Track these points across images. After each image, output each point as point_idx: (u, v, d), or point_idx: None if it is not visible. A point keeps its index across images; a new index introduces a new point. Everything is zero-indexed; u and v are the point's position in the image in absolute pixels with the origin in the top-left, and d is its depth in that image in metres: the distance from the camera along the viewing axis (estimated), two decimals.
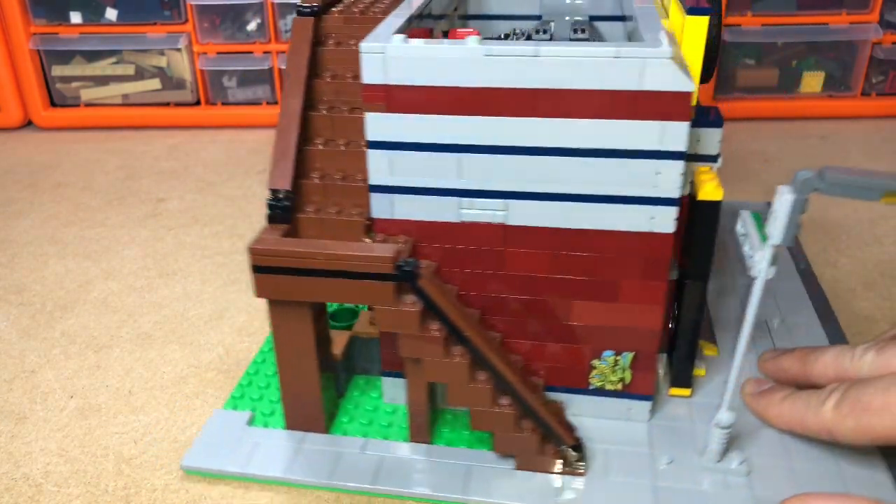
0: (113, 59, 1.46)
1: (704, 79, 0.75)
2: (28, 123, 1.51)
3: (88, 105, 1.48)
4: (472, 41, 0.60)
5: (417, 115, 0.62)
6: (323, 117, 0.70)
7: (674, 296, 0.71)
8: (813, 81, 1.43)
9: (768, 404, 0.68)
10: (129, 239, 1.08)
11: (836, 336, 0.80)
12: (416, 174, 0.64)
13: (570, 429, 0.66)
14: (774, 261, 0.58)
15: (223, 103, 1.48)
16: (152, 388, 0.78)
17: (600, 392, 0.70)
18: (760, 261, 0.57)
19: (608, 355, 0.68)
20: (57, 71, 1.45)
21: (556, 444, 0.65)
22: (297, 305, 0.66)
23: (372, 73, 0.61)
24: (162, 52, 1.45)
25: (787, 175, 1.31)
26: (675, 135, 0.58)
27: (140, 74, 1.46)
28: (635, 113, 0.58)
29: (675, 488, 0.63)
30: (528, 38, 0.79)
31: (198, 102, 1.48)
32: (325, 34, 0.71)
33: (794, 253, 0.95)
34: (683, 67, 0.58)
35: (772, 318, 0.82)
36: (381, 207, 0.66)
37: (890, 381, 0.57)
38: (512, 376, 0.63)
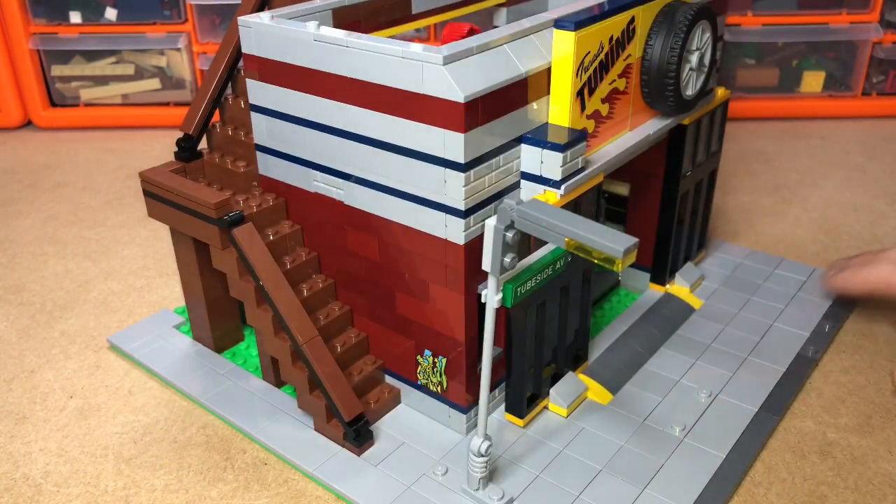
0: (112, 59, 1.46)
1: (669, 106, 0.73)
2: (28, 123, 1.50)
3: (88, 105, 1.48)
4: (312, 25, 0.63)
5: (279, 87, 0.68)
6: None
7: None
8: (813, 81, 1.43)
9: (851, 273, 0.84)
10: (129, 239, 1.08)
11: (755, 435, 0.69)
12: (283, 140, 0.70)
13: (354, 408, 0.67)
14: (500, 289, 0.56)
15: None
16: (152, 388, 0.78)
17: (426, 390, 0.71)
18: (487, 288, 0.56)
19: (428, 354, 0.69)
20: (56, 71, 1.45)
21: (337, 417, 0.67)
22: (184, 234, 0.75)
23: (247, 44, 0.68)
24: (162, 52, 1.45)
25: (788, 175, 1.32)
26: (452, 144, 0.58)
27: (140, 74, 1.46)
28: (421, 115, 0.59)
29: (422, 497, 0.63)
30: None
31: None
32: (274, 6, 0.74)
33: (817, 336, 0.82)
34: (467, 77, 0.57)
35: (703, 389, 0.74)
36: (264, 165, 0.74)
37: None
38: (303, 341, 0.67)
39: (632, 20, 0.68)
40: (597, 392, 0.74)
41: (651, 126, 0.75)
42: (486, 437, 0.60)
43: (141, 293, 0.94)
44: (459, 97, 0.56)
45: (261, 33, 0.67)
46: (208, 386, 0.76)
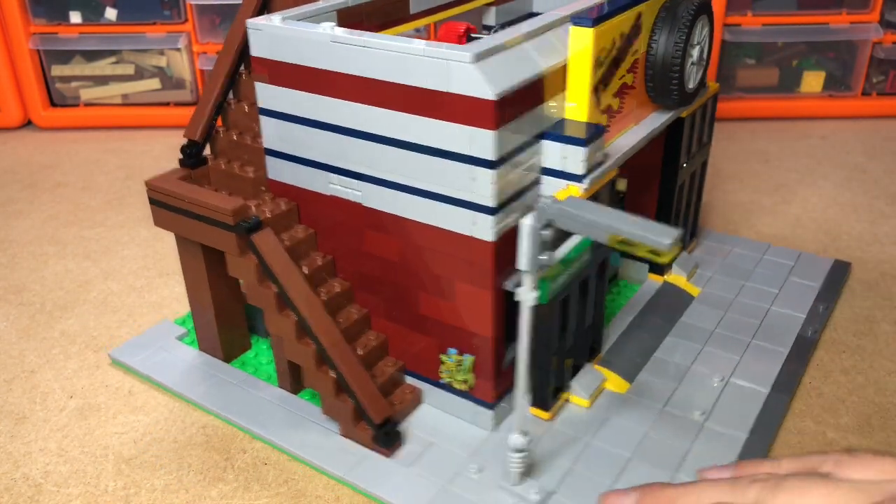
0: (113, 59, 1.46)
1: (672, 99, 0.74)
2: (28, 123, 1.50)
3: (88, 105, 1.48)
4: (327, 27, 0.63)
5: (291, 90, 0.67)
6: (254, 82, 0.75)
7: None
8: (813, 81, 1.43)
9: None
10: (129, 239, 1.08)
11: (771, 416, 0.71)
12: (295, 144, 0.69)
13: (383, 410, 0.67)
14: (535, 286, 0.57)
15: None
16: (151, 389, 0.78)
17: (450, 389, 0.71)
18: (522, 286, 0.57)
19: (453, 353, 0.69)
20: (57, 71, 1.45)
21: (365, 420, 0.67)
22: (192, 242, 0.73)
23: (256, 47, 0.67)
24: (162, 52, 1.45)
25: (787, 175, 1.32)
26: (482, 141, 0.58)
27: (140, 74, 1.46)
28: (447, 114, 0.59)
29: (459, 495, 0.63)
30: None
31: (197, 102, 1.47)
32: (275, 10, 0.73)
33: (813, 317, 0.84)
34: (496, 74, 0.57)
35: (715, 374, 0.76)
36: (274, 170, 0.72)
37: None
38: (329, 345, 0.66)
39: (639, 16, 0.69)
40: (614, 382, 0.75)
41: (656, 119, 0.77)
42: (524, 433, 0.60)
43: (141, 293, 0.94)
44: (490, 95, 0.56)
45: (272, 36, 0.66)
46: (223, 397, 0.74)
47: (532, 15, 0.97)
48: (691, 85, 0.75)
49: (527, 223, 0.53)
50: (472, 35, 0.81)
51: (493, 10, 0.92)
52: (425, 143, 0.61)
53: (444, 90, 0.58)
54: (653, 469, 0.65)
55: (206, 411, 0.74)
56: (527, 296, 0.56)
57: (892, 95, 1.43)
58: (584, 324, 0.72)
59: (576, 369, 0.73)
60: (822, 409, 0.73)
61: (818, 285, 0.90)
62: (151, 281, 0.97)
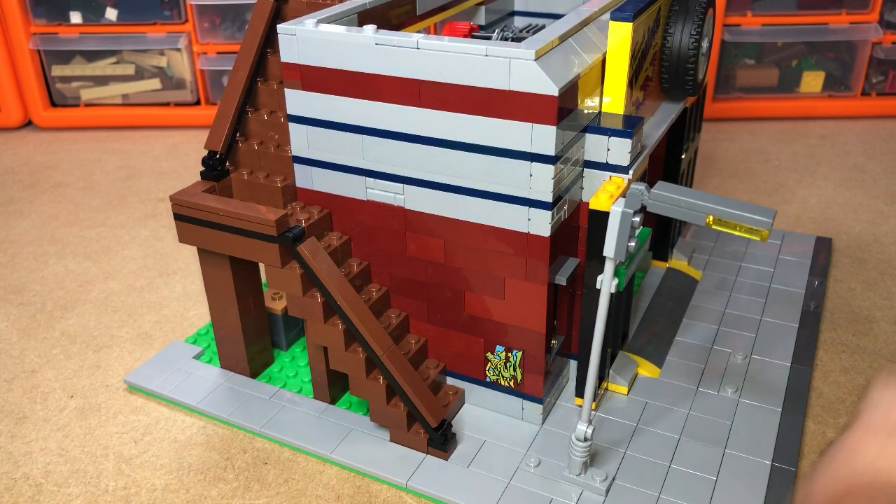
0: (113, 59, 1.46)
1: (686, 90, 0.76)
2: (28, 123, 1.50)
3: (88, 105, 1.48)
4: (369, 30, 0.62)
5: (327, 95, 0.66)
6: (272, 90, 0.74)
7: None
8: (813, 81, 1.43)
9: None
10: (129, 239, 1.08)
11: (799, 387, 0.74)
12: (329, 150, 0.68)
13: (439, 413, 0.66)
14: (617, 275, 0.58)
15: None
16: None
17: (496, 386, 0.71)
18: (604, 274, 0.57)
19: (500, 350, 0.69)
20: (57, 71, 1.45)
21: (421, 424, 0.67)
22: (218, 256, 0.72)
23: (287, 52, 0.66)
24: (162, 52, 1.45)
25: (787, 175, 1.32)
26: (543, 137, 0.58)
27: (140, 74, 1.46)
28: (506, 112, 0.59)
29: (525, 490, 0.63)
30: (514, 37, 0.79)
31: (198, 102, 1.48)
32: (288, 16, 0.73)
33: (812, 292, 0.89)
34: (555, 70, 0.57)
35: (737, 352, 0.79)
36: (303, 178, 0.71)
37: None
38: (382, 352, 0.65)
39: (659, 9, 0.70)
40: (646, 368, 0.76)
41: (670, 110, 0.78)
42: (590, 423, 0.61)
43: (141, 293, 0.95)
44: (553, 91, 0.56)
45: (307, 40, 0.64)
46: (260, 414, 0.72)
47: (514, 14, 0.98)
48: (700, 76, 0.77)
49: (618, 210, 0.54)
50: (475, 34, 0.81)
51: (482, 9, 0.93)
52: (481, 143, 0.61)
53: (505, 88, 0.58)
54: (703, 446, 0.67)
55: (247, 431, 0.72)
56: (607, 283, 0.57)
57: (892, 95, 1.43)
58: (621, 312, 0.73)
59: (612, 357, 0.75)
60: (821, 409, 0.73)
61: (808, 261, 0.95)
62: (152, 281, 0.97)
